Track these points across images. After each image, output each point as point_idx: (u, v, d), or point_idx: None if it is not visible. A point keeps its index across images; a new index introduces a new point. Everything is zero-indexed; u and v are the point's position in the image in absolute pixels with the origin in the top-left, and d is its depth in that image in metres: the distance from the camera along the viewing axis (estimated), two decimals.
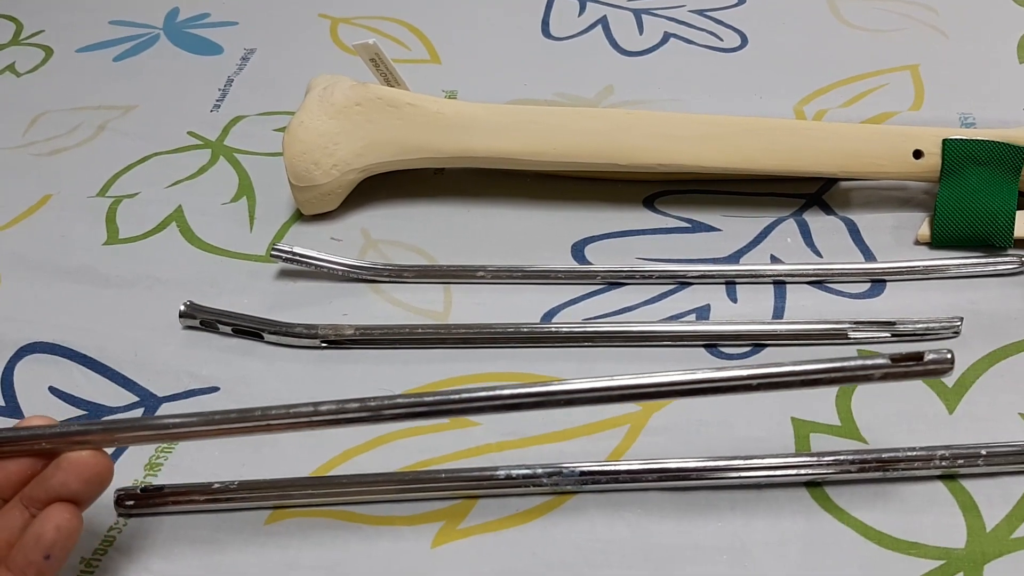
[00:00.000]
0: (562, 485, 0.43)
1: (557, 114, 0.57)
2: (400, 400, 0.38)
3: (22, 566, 0.35)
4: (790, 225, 0.56)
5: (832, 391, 0.46)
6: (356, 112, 0.57)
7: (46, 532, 0.35)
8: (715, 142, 0.55)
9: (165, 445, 0.46)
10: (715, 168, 0.55)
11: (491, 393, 0.37)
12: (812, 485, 0.43)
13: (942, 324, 0.49)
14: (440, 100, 0.58)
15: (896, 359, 0.35)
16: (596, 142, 0.55)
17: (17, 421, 0.38)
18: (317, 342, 0.50)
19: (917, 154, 0.54)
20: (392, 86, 0.59)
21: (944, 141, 0.53)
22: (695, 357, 0.49)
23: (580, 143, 0.55)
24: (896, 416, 0.45)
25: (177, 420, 0.38)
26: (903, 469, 0.42)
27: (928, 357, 0.35)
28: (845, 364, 0.36)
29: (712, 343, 0.49)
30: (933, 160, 0.53)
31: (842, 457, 0.42)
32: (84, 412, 0.48)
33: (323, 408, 0.38)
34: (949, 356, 0.35)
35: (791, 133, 0.55)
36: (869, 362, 0.36)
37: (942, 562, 0.39)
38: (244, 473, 0.44)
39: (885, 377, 0.36)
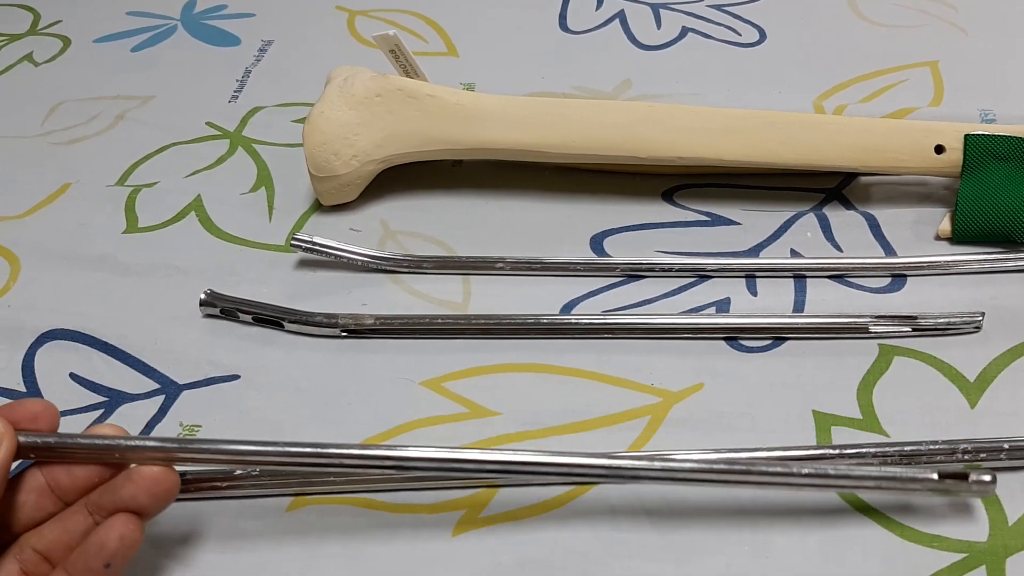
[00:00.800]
0: (583, 476, 0.43)
1: (577, 107, 0.57)
2: (479, 457, 0.39)
3: (81, 571, 0.36)
4: (810, 219, 0.56)
5: (853, 384, 0.46)
6: (376, 103, 0.57)
7: (110, 541, 0.35)
8: (735, 135, 0.55)
9: (187, 431, 0.46)
10: (735, 161, 0.55)
11: (583, 461, 0.39)
12: None
13: (963, 319, 0.48)
14: (460, 92, 0.58)
15: (943, 475, 0.39)
16: (616, 135, 0.55)
17: (87, 427, 0.38)
18: (337, 331, 0.50)
19: (939, 149, 0.53)
20: (411, 78, 0.59)
21: (966, 136, 0.53)
22: (715, 350, 0.49)
23: (600, 135, 0.55)
24: (918, 410, 0.45)
25: (253, 448, 0.38)
26: (925, 463, 0.42)
27: (972, 478, 0.39)
28: (896, 475, 0.39)
29: (732, 336, 0.49)
30: (955, 155, 0.53)
31: (864, 450, 0.42)
32: (105, 399, 0.48)
33: (409, 455, 0.38)
34: (988, 479, 0.39)
35: (812, 127, 0.55)
36: (919, 475, 0.39)
37: (964, 555, 0.39)
38: None
39: (932, 491, 0.39)
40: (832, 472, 0.39)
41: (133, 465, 0.37)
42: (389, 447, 0.39)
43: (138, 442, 0.37)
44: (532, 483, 0.43)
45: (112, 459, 0.37)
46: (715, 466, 0.39)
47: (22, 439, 0.36)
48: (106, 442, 0.37)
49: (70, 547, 0.36)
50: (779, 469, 0.39)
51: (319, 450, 0.38)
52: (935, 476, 0.39)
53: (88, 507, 0.37)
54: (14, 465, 0.36)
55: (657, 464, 0.39)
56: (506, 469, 0.39)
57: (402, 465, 0.38)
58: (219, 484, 0.42)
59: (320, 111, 0.56)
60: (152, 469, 0.36)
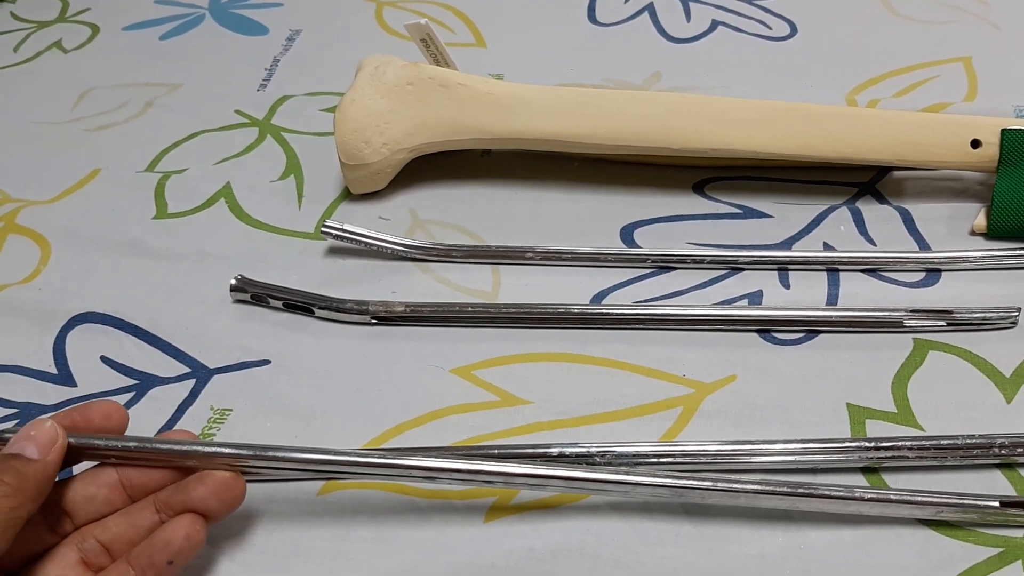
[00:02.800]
0: (615, 465, 0.42)
1: (609, 97, 0.57)
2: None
3: (144, 565, 0.36)
4: (843, 213, 0.56)
5: (887, 378, 0.46)
6: (407, 92, 0.56)
7: (176, 539, 0.36)
8: (769, 127, 0.54)
9: (218, 414, 0.46)
10: (769, 153, 0.54)
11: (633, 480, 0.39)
12: (868, 471, 0.42)
13: (999, 314, 0.48)
14: (491, 81, 0.57)
15: (1005, 503, 0.39)
16: (649, 125, 0.55)
17: (161, 432, 0.39)
18: (367, 318, 0.50)
19: (975, 144, 0.53)
20: (442, 67, 0.59)
21: (1003, 131, 0.52)
22: (748, 342, 0.48)
23: (633, 126, 0.55)
24: (953, 405, 0.45)
25: (322, 457, 0.38)
26: (961, 457, 0.42)
27: None
28: (957, 501, 0.40)
29: (765, 328, 0.49)
30: (991, 150, 0.53)
31: (899, 443, 0.42)
32: (136, 381, 0.48)
33: (483, 469, 0.39)
34: None
35: (846, 120, 0.54)
36: (981, 503, 0.39)
37: (1000, 550, 0.39)
38: (296, 444, 0.44)
39: (996, 516, 0.39)
40: (894, 498, 0.40)
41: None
42: (457, 459, 0.39)
43: (214, 449, 0.38)
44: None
45: (187, 464, 0.38)
46: (777, 488, 0.39)
47: (100, 442, 0.37)
48: (183, 449, 0.38)
49: (133, 542, 0.37)
50: (841, 493, 0.39)
51: (388, 460, 0.38)
52: (997, 504, 0.39)
53: (156, 505, 0.38)
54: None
55: (721, 486, 0.39)
56: (566, 486, 0.39)
57: (480, 479, 0.39)
58: (252, 467, 0.42)
59: (351, 99, 0.56)
60: (224, 475, 0.38)
